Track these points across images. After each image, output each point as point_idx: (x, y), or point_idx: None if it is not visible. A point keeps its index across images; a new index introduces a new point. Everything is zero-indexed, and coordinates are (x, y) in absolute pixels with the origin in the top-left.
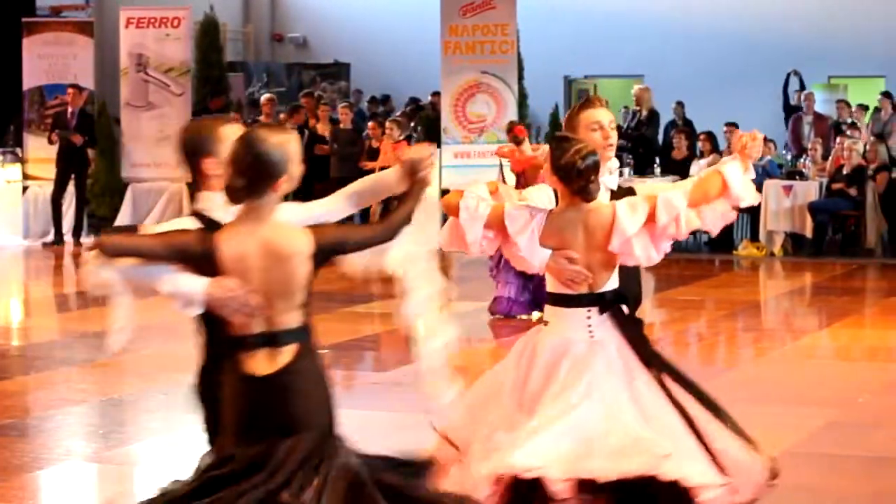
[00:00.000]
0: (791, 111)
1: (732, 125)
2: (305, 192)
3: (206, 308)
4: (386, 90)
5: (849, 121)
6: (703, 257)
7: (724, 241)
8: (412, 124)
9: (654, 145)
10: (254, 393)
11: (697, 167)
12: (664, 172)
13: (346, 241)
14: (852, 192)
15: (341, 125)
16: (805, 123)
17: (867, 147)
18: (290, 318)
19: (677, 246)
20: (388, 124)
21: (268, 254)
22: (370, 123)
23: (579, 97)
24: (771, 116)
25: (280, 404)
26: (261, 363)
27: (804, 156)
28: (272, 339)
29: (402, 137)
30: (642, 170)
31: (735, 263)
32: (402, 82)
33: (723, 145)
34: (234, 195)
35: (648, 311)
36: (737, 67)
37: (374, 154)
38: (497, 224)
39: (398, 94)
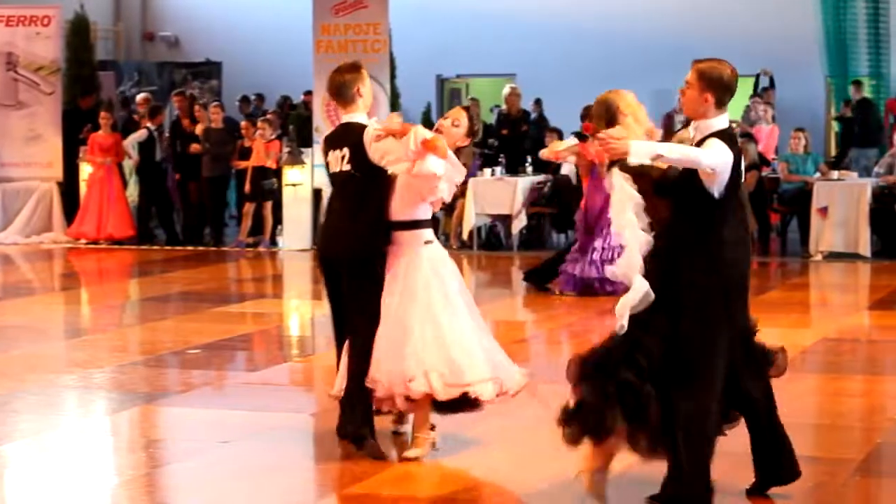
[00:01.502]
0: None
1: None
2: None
3: None
4: (258, 89)
5: None
6: None
7: None
8: (287, 125)
9: (526, 144)
10: None
11: (569, 166)
12: (536, 171)
13: None
14: None
15: (213, 125)
16: (677, 122)
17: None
18: None
19: (548, 245)
20: (259, 123)
21: None
22: (243, 123)
23: (452, 96)
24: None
25: None
26: None
27: None
28: None
29: (273, 137)
30: (514, 168)
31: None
32: (275, 81)
33: None
34: None
35: (520, 310)
36: (609, 66)
37: (246, 153)
38: None
39: (270, 93)
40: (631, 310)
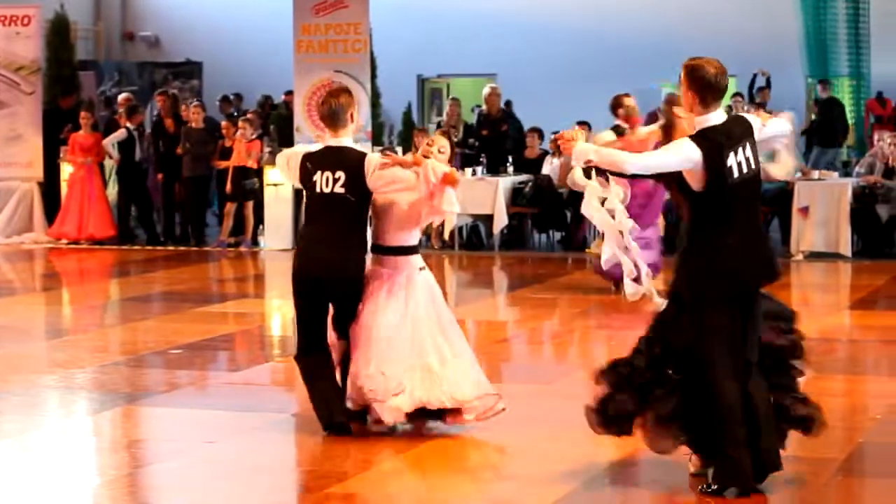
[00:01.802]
0: (755, 108)
1: (584, 124)
2: (167, 191)
3: None
4: (239, 89)
5: None
6: (555, 256)
7: (577, 241)
8: (268, 124)
9: (507, 144)
10: None
11: (550, 166)
12: (517, 171)
13: None
14: None
15: (193, 124)
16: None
17: None
18: None
19: (530, 245)
20: (240, 123)
21: None
22: (223, 122)
23: (432, 96)
24: None
25: None
26: None
27: None
28: None
29: (254, 136)
30: (495, 168)
31: (588, 262)
32: (255, 81)
33: None
34: None
35: (502, 310)
36: (589, 66)
37: (227, 153)
38: None
39: (251, 93)
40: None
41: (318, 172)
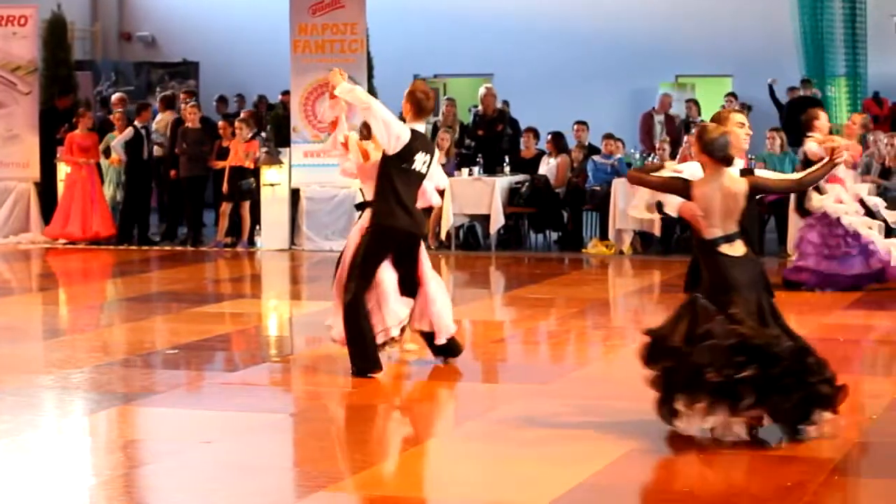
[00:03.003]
0: (780, 108)
1: (582, 124)
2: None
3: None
4: (235, 89)
5: (698, 120)
6: (552, 256)
7: (573, 240)
8: (266, 124)
9: (503, 144)
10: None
11: (546, 166)
12: (514, 171)
13: (769, 187)
14: None
15: (189, 125)
16: (657, 122)
17: None
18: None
19: (526, 245)
20: (236, 123)
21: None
22: (220, 123)
23: None
24: (619, 115)
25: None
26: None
27: (653, 154)
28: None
29: (250, 137)
30: (492, 168)
31: (584, 262)
32: (252, 81)
33: (572, 143)
34: None
35: (498, 310)
36: (586, 66)
37: (223, 153)
38: None
39: (248, 93)
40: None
41: (420, 153)
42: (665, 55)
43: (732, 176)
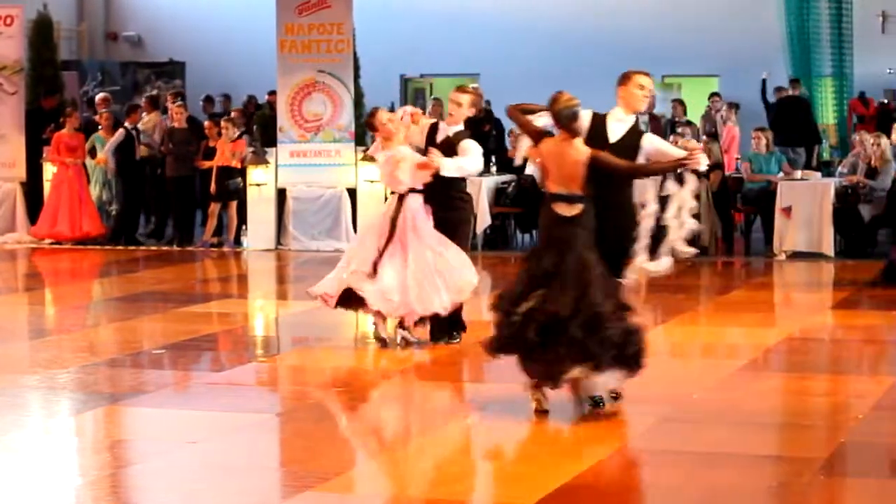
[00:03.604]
0: (768, 106)
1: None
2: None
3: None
4: (222, 89)
5: (683, 119)
6: None
7: None
8: (251, 124)
9: (489, 144)
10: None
11: (533, 167)
12: (500, 171)
13: (608, 164)
14: None
15: (176, 124)
16: (641, 123)
17: (700, 146)
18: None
19: (513, 245)
20: (223, 123)
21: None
22: (206, 122)
23: (416, 96)
24: None
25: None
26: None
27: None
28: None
29: (237, 136)
30: None
31: None
32: (239, 81)
33: None
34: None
35: (485, 310)
36: (572, 66)
37: (210, 153)
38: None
39: (234, 92)
40: None
41: None
42: (651, 55)
43: (577, 145)
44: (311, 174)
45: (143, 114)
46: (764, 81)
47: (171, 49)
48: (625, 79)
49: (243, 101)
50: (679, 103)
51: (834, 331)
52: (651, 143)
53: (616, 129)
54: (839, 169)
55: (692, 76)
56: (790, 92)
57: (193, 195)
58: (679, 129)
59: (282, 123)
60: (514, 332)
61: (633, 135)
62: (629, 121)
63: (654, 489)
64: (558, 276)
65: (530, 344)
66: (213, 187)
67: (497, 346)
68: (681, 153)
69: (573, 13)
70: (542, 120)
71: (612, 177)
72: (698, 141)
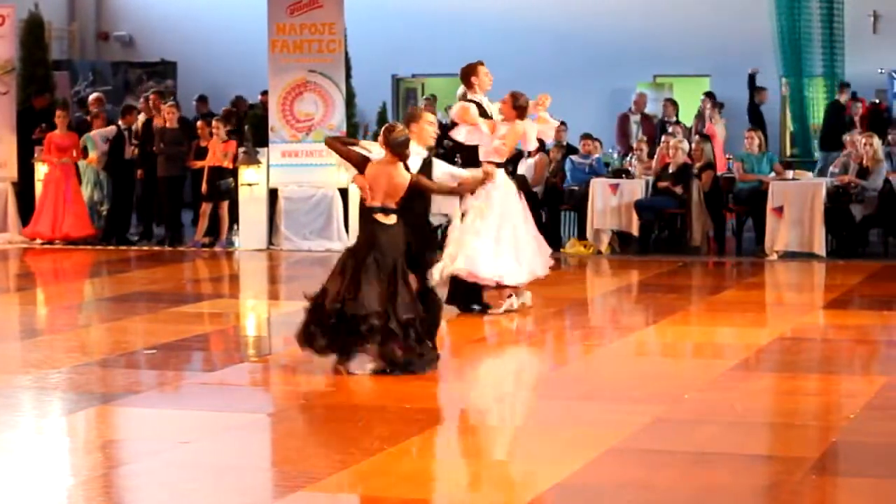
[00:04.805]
0: (755, 109)
1: (561, 123)
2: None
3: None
4: (213, 89)
5: (674, 119)
6: None
7: (551, 240)
8: (243, 124)
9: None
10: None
11: (525, 166)
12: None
13: (428, 188)
14: (678, 190)
15: (167, 124)
16: (633, 122)
17: (693, 146)
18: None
19: None
20: (214, 123)
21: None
22: (198, 122)
23: (407, 96)
24: (598, 115)
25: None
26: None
27: (631, 154)
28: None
29: (229, 136)
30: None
31: (562, 261)
32: (230, 81)
33: (550, 143)
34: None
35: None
36: (563, 65)
37: (202, 153)
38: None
39: (225, 92)
40: None
41: None
42: (643, 55)
43: (401, 170)
44: (303, 174)
45: (140, 115)
46: (752, 77)
47: (163, 49)
48: (415, 117)
49: (231, 100)
50: (671, 103)
51: (825, 331)
52: (440, 169)
53: (413, 163)
54: (830, 169)
55: (684, 76)
56: (838, 96)
57: (182, 195)
58: (670, 129)
59: (273, 123)
60: (324, 324)
61: (426, 166)
62: (424, 153)
63: (646, 488)
64: (371, 272)
65: (336, 331)
66: (204, 187)
67: (305, 339)
68: (468, 174)
69: (565, 13)
70: (376, 148)
71: (416, 194)
72: (690, 141)
